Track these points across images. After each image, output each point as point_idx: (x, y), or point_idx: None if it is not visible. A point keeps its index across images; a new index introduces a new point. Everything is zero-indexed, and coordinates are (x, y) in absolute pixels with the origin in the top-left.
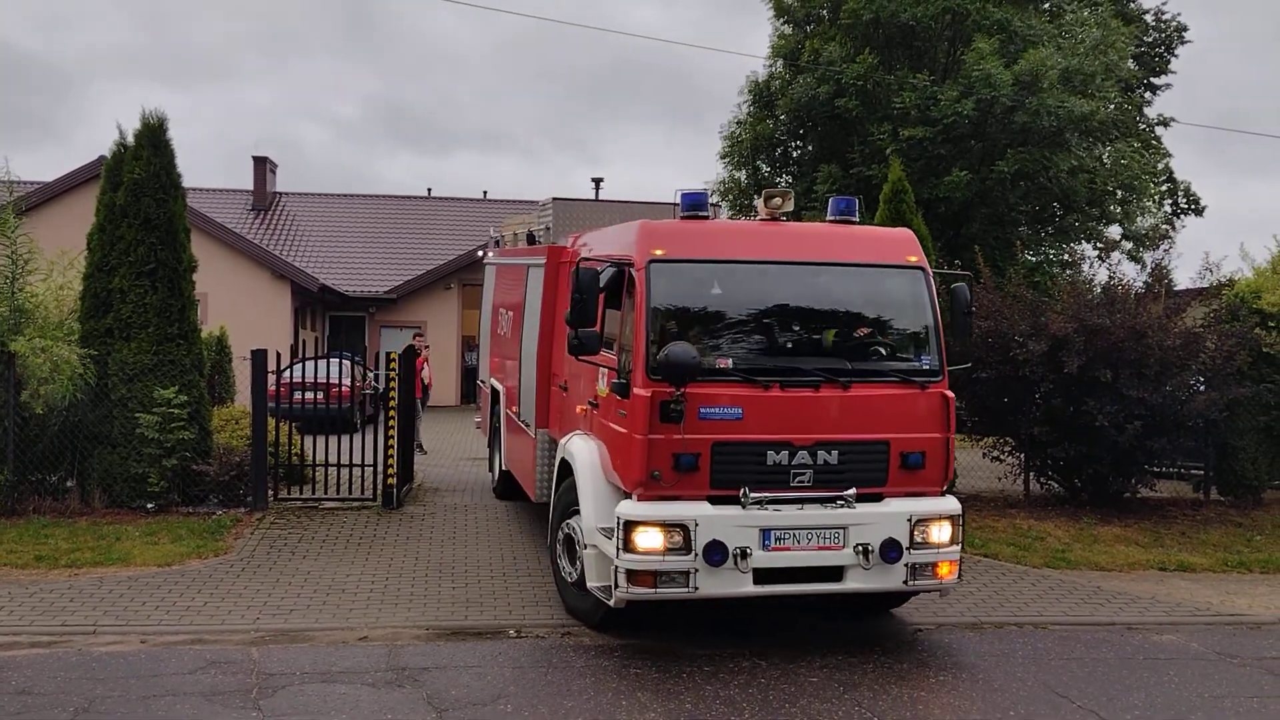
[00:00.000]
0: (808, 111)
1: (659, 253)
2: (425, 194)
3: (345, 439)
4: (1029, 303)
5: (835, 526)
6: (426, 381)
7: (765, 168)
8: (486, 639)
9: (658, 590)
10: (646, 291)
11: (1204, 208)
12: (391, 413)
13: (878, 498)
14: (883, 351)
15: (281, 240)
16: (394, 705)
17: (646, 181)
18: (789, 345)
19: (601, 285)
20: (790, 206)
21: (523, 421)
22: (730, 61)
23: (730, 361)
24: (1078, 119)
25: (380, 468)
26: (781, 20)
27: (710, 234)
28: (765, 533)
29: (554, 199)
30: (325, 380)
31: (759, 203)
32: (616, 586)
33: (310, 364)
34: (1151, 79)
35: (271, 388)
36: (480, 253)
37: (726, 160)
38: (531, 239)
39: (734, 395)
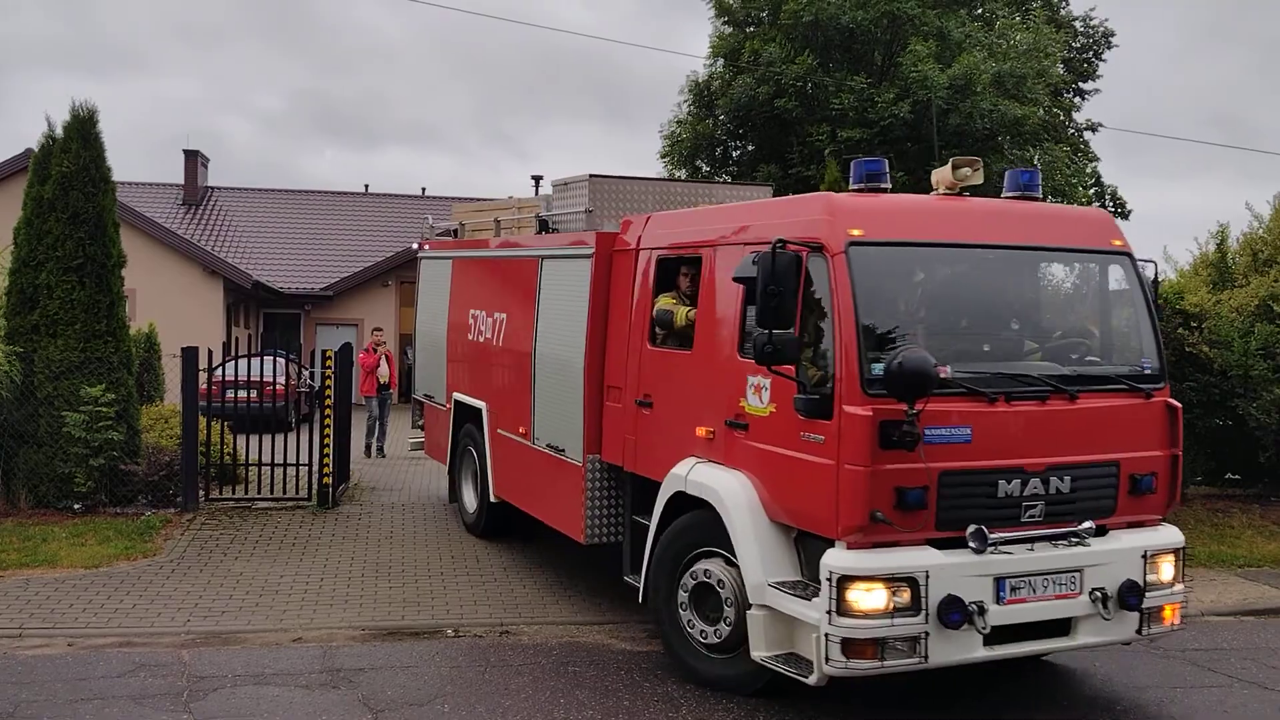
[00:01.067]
0: (747, 111)
1: (856, 233)
2: (362, 190)
3: (280, 438)
4: None
5: (1071, 569)
6: (385, 380)
7: (705, 167)
8: (424, 639)
9: (883, 663)
10: (851, 282)
11: (1129, 211)
12: (328, 411)
13: (1102, 530)
14: (1092, 354)
15: (214, 236)
16: (328, 707)
17: None
18: (991, 348)
19: (742, 276)
20: (979, 179)
21: (548, 446)
22: (663, 59)
23: (949, 370)
24: (1010, 123)
25: (315, 467)
26: (722, 20)
27: (906, 211)
28: (1000, 582)
29: (590, 176)
30: (259, 378)
31: (938, 173)
32: (827, 660)
33: (243, 361)
34: (1080, 84)
35: (203, 386)
36: (416, 245)
37: (667, 159)
38: (545, 226)
39: (962, 412)
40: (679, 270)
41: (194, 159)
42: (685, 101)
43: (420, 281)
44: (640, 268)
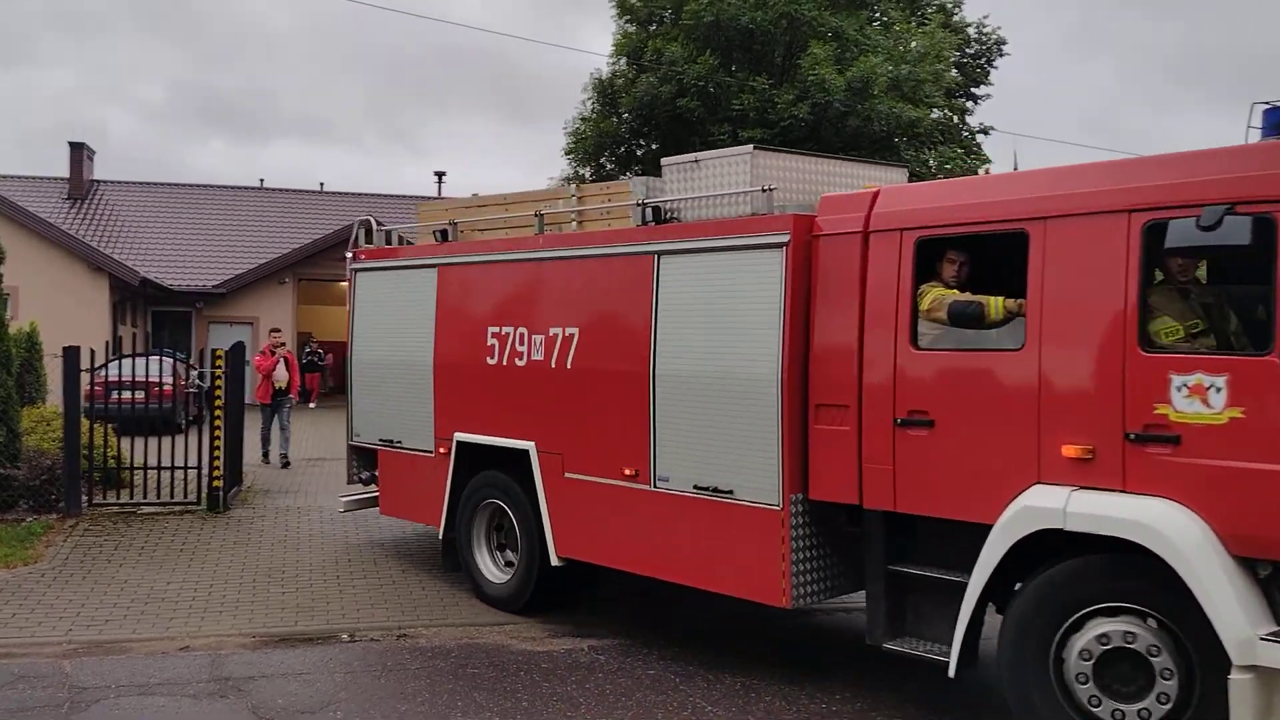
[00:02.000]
0: (651, 110)
1: None
2: (258, 185)
3: (168, 440)
4: None
5: None
6: (283, 386)
7: (610, 165)
8: (317, 645)
9: None
10: None
11: None
12: (218, 412)
13: None
14: None
15: (100, 231)
16: (216, 717)
17: (484, 177)
18: None
19: (1176, 246)
20: None
21: (696, 489)
22: (562, 56)
23: None
24: (906, 125)
25: (205, 470)
26: (624, 19)
27: None
28: None
29: (755, 147)
30: (145, 379)
31: None
32: None
33: (129, 361)
34: (973, 89)
35: (86, 386)
36: (350, 254)
37: (571, 156)
38: (659, 214)
39: None
40: (945, 253)
41: (79, 151)
42: (589, 99)
43: (357, 299)
44: (880, 254)
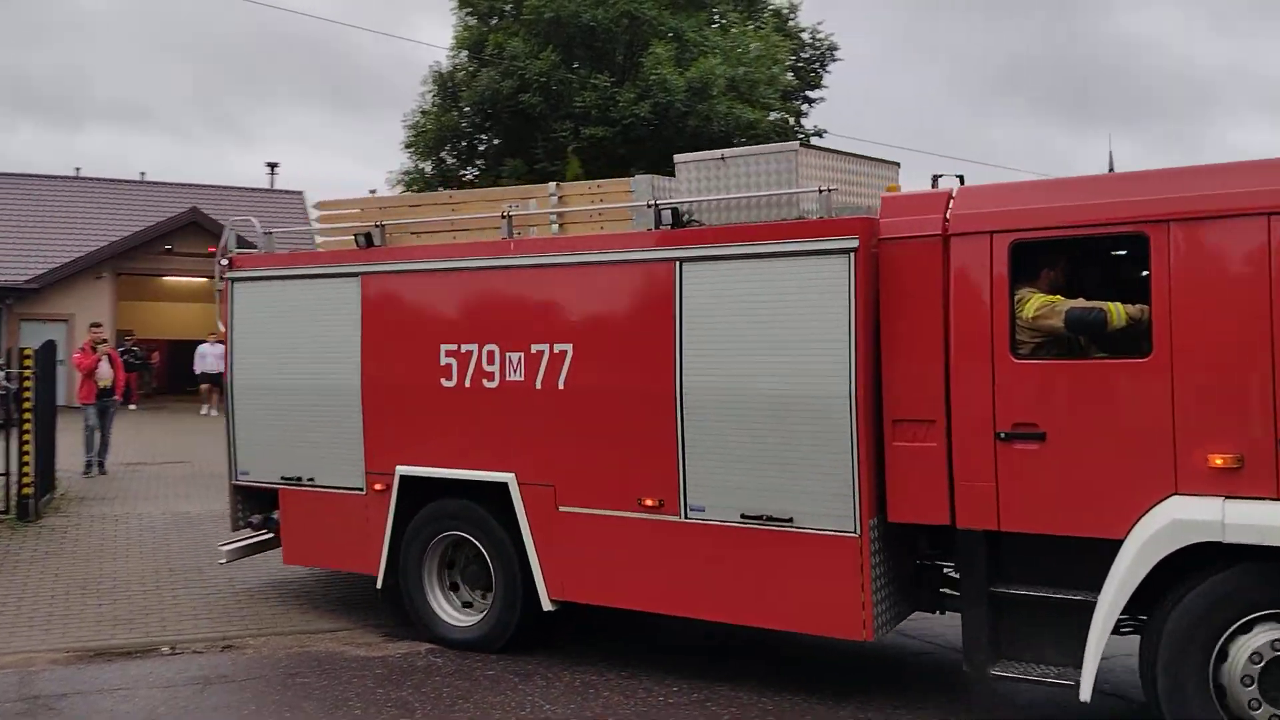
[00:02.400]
0: (492, 105)
1: None
2: (73, 173)
3: None
4: None
5: None
6: (106, 385)
7: (451, 159)
8: (136, 658)
9: None
10: None
11: None
12: (27, 415)
13: None
14: None
15: None
16: None
17: (317, 169)
18: None
19: None
20: None
21: (744, 518)
22: (397, 46)
23: None
24: (744, 126)
25: (14, 476)
26: (465, 11)
27: None
28: None
29: (801, 144)
30: None
31: None
32: None
33: None
34: (808, 92)
35: None
36: (224, 260)
37: (411, 150)
38: (677, 218)
39: None
40: (1044, 258)
41: None
42: (429, 92)
43: (237, 314)
44: (966, 258)
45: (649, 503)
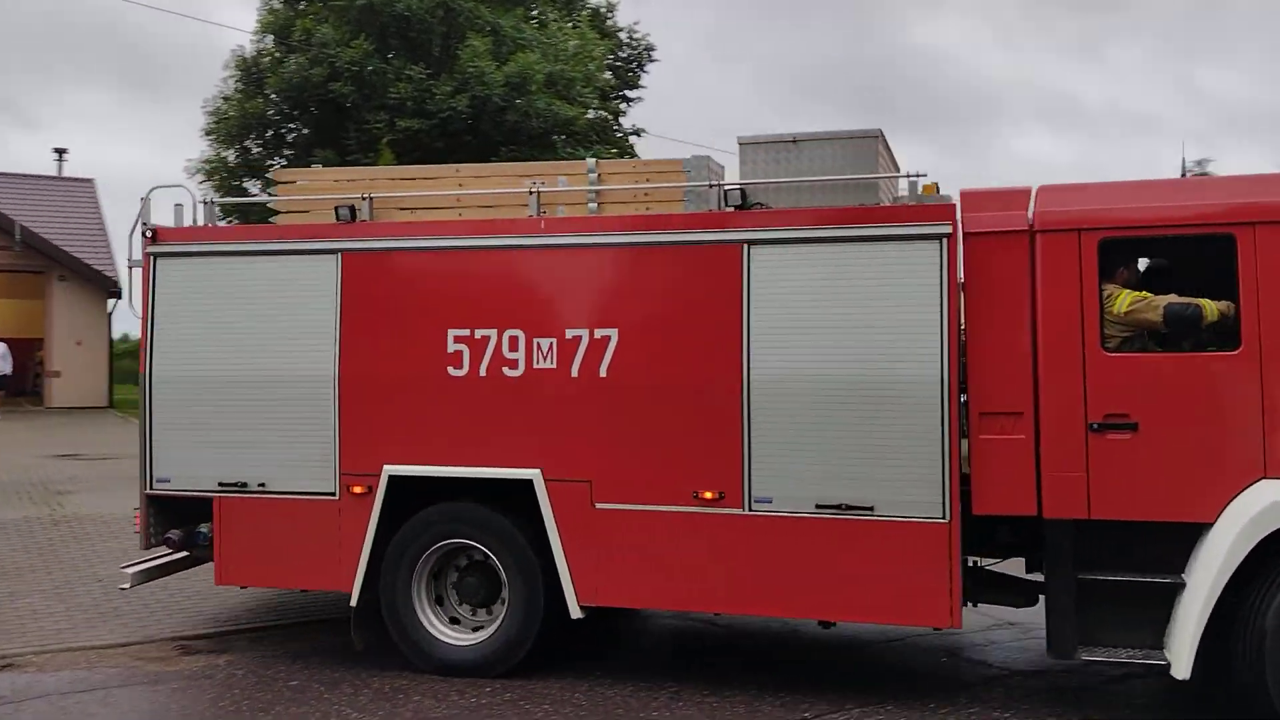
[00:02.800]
0: (300, 93)
1: None
2: None
3: None
4: None
5: None
6: None
7: (256, 148)
8: None
9: None
10: None
11: None
12: None
13: None
14: None
15: None
16: None
17: (111, 156)
18: None
19: None
20: None
21: (819, 507)
22: (201, 30)
23: None
24: (563, 122)
25: None
26: None
27: None
28: None
29: (880, 131)
30: None
31: None
32: None
33: None
34: (626, 91)
35: None
36: (146, 232)
37: (212, 137)
38: (744, 199)
39: None
40: (1125, 254)
41: None
42: (232, 77)
43: (160, 294)
44: (1054, 254)
45: (707, 495)
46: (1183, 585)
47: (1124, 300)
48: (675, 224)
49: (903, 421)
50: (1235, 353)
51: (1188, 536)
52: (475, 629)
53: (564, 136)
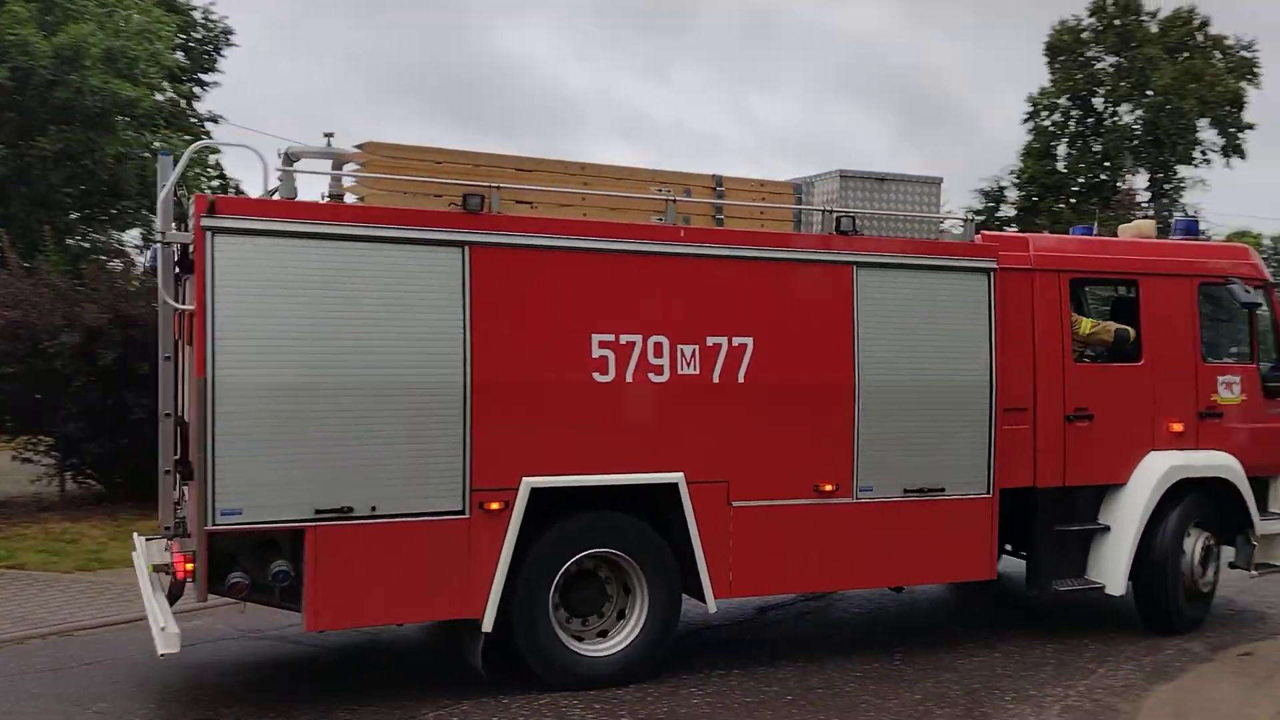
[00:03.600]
0: None
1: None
2: None
3: None
4: (62, 292)
5: None
6: None
7: None
8: None
9: None
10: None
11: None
12: None
13: None
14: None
15: None
16: None
17: None
18: None
19: (1248, 302)
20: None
21: (906, 492)
22: None
23: None
24: (124, 103)
25: None
26: None
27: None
28: None
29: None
30: None
31: (1147, 226)
32: None
33: None
34: (201, 75)
35: None
36: (195, 202)
37: None
38: (850, 225)
39: None
40: (1081, 291)
41: None
42: None
43: (220, 281)
44: (1044, 289)
45: (826, 488)
46: (1107, 529)
47: (1086, 325)
48: (800, 244)
49: (965, 419)
50: (1140, 364)
51: (1101, 495)
52: (599, 637)
53: (127, 118)
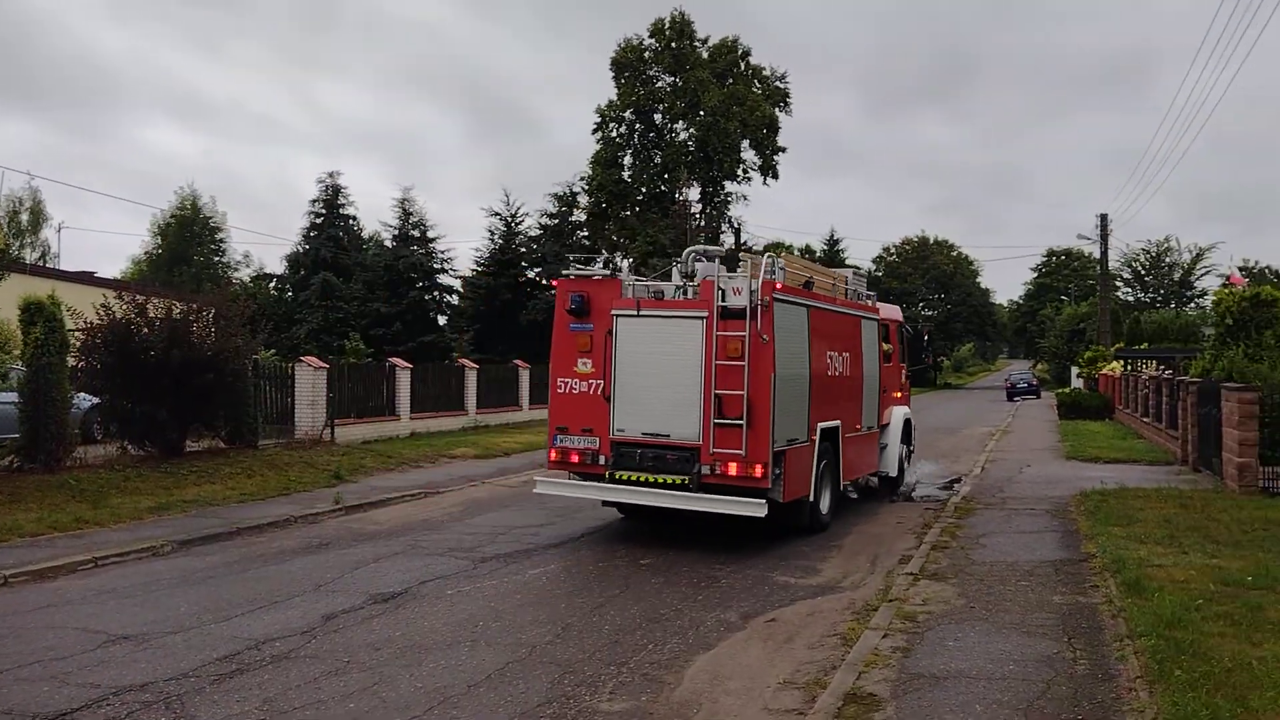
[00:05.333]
0: None
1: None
2: None
3: None
4: None
5: None
6: None
7: None
8: None
9: None
10: None
11: None
12: None
13: None
14: None
15: None
16: None
17: None
18: None
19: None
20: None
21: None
22: None
23: None
24: None
25: None
26: None
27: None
28: None
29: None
30: None
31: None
32: None
33: None
34: None
35: None
36: (773, 283)
37: None
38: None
39: None
40: (887, 330)
41: None
42: None
43: (779, 323)
44: (896, 330)
45: (858, 427)
46: (885, 445)
47: (889, 348)
48: (858, 306)
49: (870, 390)
50: (890, 365)
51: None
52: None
53: None
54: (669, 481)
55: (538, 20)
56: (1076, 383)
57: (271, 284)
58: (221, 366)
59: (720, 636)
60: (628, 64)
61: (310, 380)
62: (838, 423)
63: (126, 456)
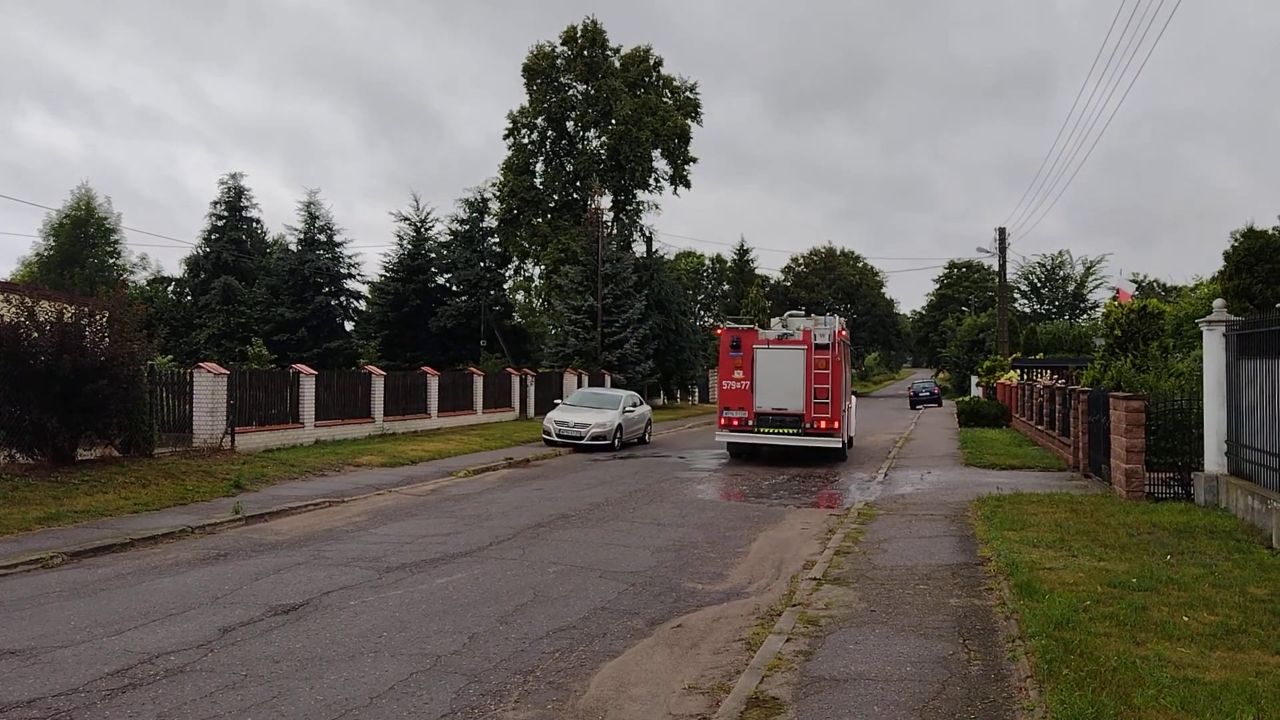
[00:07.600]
0: None
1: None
2: None
3: None
4: None
5: None
6: None
7: None
8: None
9: None
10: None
11: None
12: None
13: None
14: None
15: None
16: None
17: None
18: None
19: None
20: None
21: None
22: None
23: None
24: None
25: None
26: None
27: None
28: None
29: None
30: None
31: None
32: None
33: None
34: None
35: None
36: (838, 327)
37: None
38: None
39: None
40: (846, 348)
41: None
42: None
43: (841, 352)
44: (844, 350)
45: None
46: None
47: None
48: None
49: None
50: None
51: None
52: None
53: None
54: (787, 432)
55: (425, 7)
56: (976, 391)
57: (170, 288)
58: (116, 372)
59: (627, 643)
60: (540, 71)
61: (210, 387)
62: (851, 403)
63: (14, 465)
